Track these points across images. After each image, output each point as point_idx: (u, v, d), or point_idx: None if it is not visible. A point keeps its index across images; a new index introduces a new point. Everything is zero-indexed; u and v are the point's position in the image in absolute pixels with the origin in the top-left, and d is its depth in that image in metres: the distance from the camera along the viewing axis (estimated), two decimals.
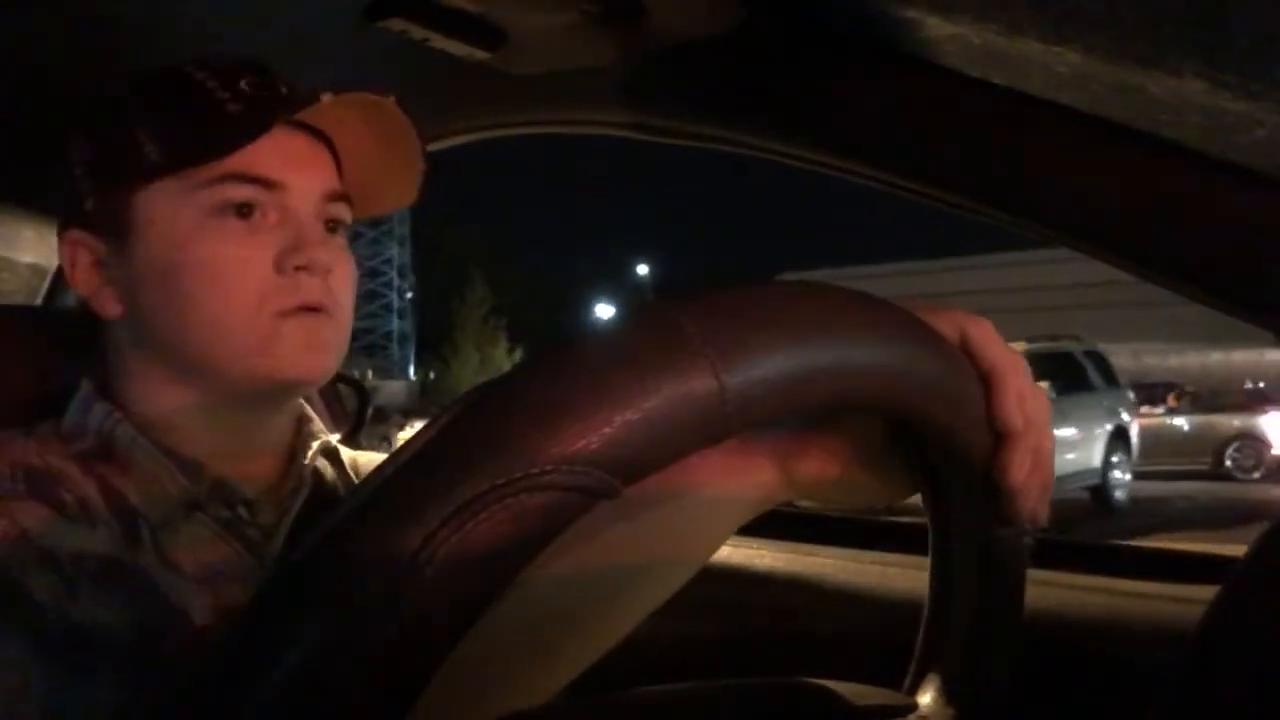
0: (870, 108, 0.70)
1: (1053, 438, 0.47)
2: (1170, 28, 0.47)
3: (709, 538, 0.56)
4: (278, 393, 0.64)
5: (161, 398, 0.63)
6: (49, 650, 0.48)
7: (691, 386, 0.31)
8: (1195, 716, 0.33)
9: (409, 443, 0.30)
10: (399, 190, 0.69)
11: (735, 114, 0.78)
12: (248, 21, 0.84)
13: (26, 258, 1.08)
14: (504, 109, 0.93)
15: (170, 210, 0.60)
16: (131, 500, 0.59)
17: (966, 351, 0.44)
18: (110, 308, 0.62)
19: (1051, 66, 0.56)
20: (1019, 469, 0.44)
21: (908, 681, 0.51)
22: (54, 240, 1.10)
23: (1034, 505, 0.46)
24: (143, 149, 0.60)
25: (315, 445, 0.68)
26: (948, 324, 0.45)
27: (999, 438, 0.44)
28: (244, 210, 0.60)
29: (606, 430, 0.30)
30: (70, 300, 1.10)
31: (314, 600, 0.28)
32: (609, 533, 0.50)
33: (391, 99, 0.63)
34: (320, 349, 0.62)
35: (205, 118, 0.60)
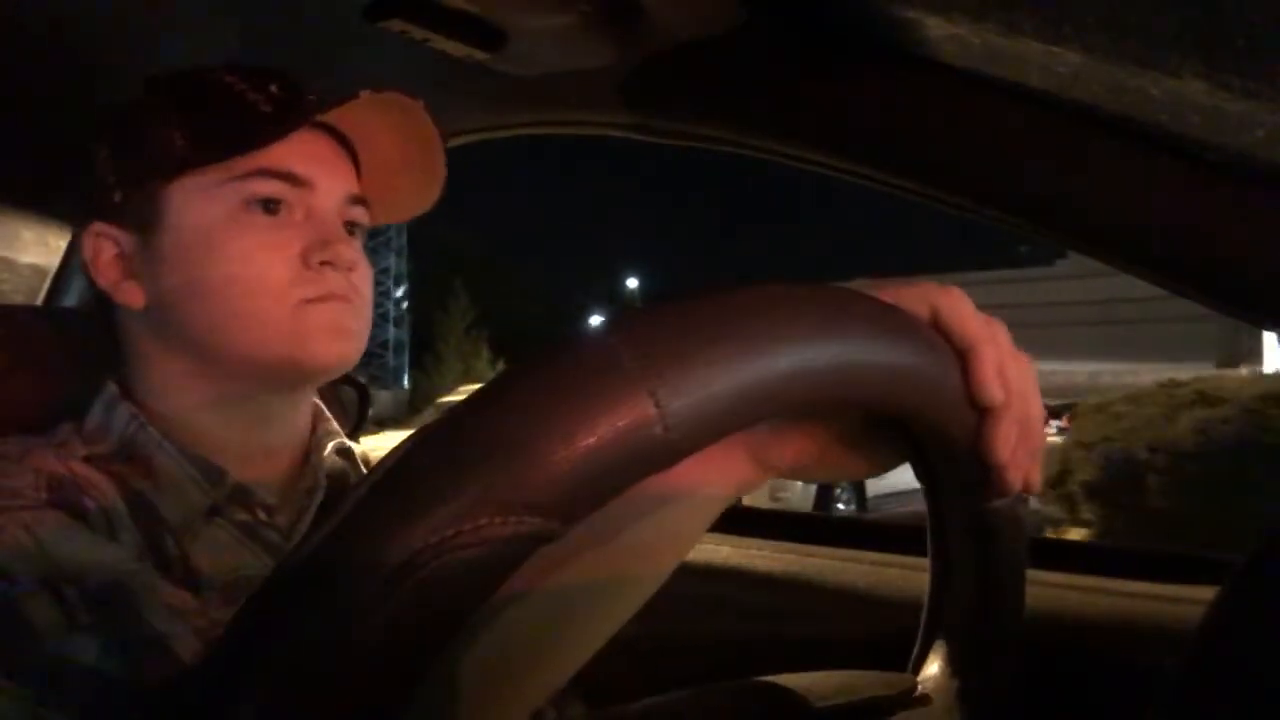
0: (870, 108, 0.70)
1: (1039, 402, 0.45)
2: (1169, 28, 0.47)
3: (686, 534, 0.55)
4: (302, 379, 0.65)
5: (182, 392, 0.63)
6: (54, 689, 0.47)
7: (630, 418, 0.29)
8: (1195, 717, 0.33)
9: (351, 490, 0.29)
10: (418, 196, 0.70)
11: (735, 114, 0.78)
12: (249, 22, 0.84)
13: (26, 258, 1.08)
14: (504, 110, 0.93)
15: (199, 203, 0.61)
16: (155, 506, 0.59)
17: (939, 327, 0.42)
18: (133, 299, 0.63)
19: (1051, 67, 0.56)
20: (1005, 443, 0.43)
21: (912, 659, 0.51)
22: (54, 241, 1.10)
23: (1024, 475, 0.45)
24: (173, 143, 0.61)
25: (331, 445, 0.69)
26: (917, 300, 0.43)
27: (982, 413, 0.42)
28: (271, 206, 0.62)
29: (543, 475, 0.28)
30: (71, 300, 1.10)
31: (258, 651, 0.28)
32: (584, 537, 0.49)
33: (421, 104, 0.64)
34: (345, 335, 0.63)
35: (237, 115, 0.61)
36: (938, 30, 0.60)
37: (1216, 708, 0.32)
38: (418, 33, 0.74)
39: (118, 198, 0.63)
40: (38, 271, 1.09)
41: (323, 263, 0.62)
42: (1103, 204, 0.63)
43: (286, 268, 0.61)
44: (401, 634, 0.28)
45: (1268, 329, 0.62)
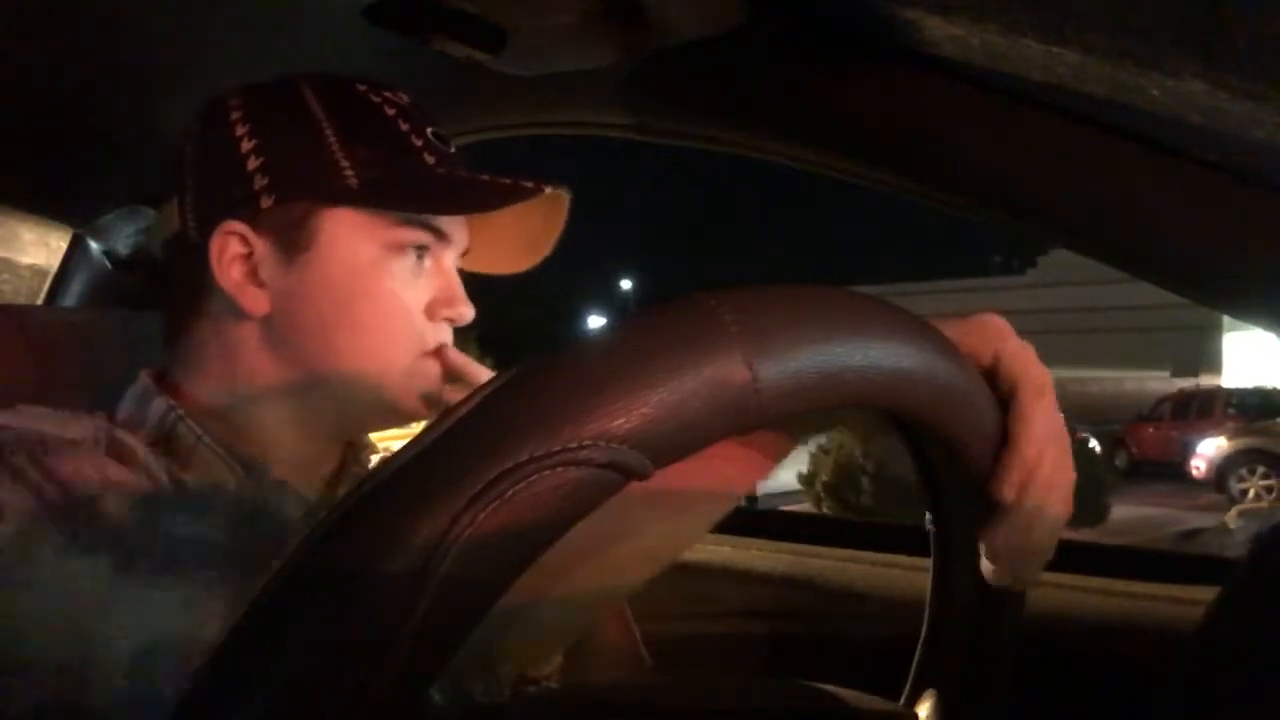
0: (870, 108, 0.70)
1: (1053, 528, 0.46)
2: (1170, 29, 0.47)
3: (678, 537, 0.55)
4: (393, 424, 0.65)
5: (262, 402, 0.63)
6: (129, 568, 0.48)
7: (726, 374, 0.31)
8: (1198, 717, 0.33)
9: (451, 410, 0.30)
10: (514, 261, 0.72)
11: (736, 114, 0.78)
12: (249, 21, 0.84)
13: (26, 259, 1.08)
14: (504, 110, 0.93)
15: (355, 238, 0.62)
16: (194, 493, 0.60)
17: (1009, 405, 0.44)
18: (257, 306, 0.62)
19: (1051, 67, 0.56)
20: (1000, 539, 0.44)
21: (905, 694, 0.51)
22: (54, 242, 1.10)
23: (1008, 575, 0.47)
24: (341, 173, 0.61)
25: (377, 457, 0.69)
26: (1007, 372, 0.44)
27: (999, 452, 0.44)
28: (416, 253, 0.63)
29: (643, 410, 0.30)
30: (71, 301, 1.10)
31: (351, 558, 0.28)
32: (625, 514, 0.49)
33: (568, 198, 0.66)
34: (443, 389, 0.65)
35: (406, 163, 0.63)
36: (938, 30, 0.60)
37: (1220, 707, 0.32)
38: (418, 33, 0.74)
39: (266, 204, 0.61)
40: (38, 273, 1.09)
41: (447, 319, 0.64)
42: (1103, 204, 0.63)
43: (417, 319, 0.63)
44: (493, 548, 0.28)
45: (1267, 329, 0.62)
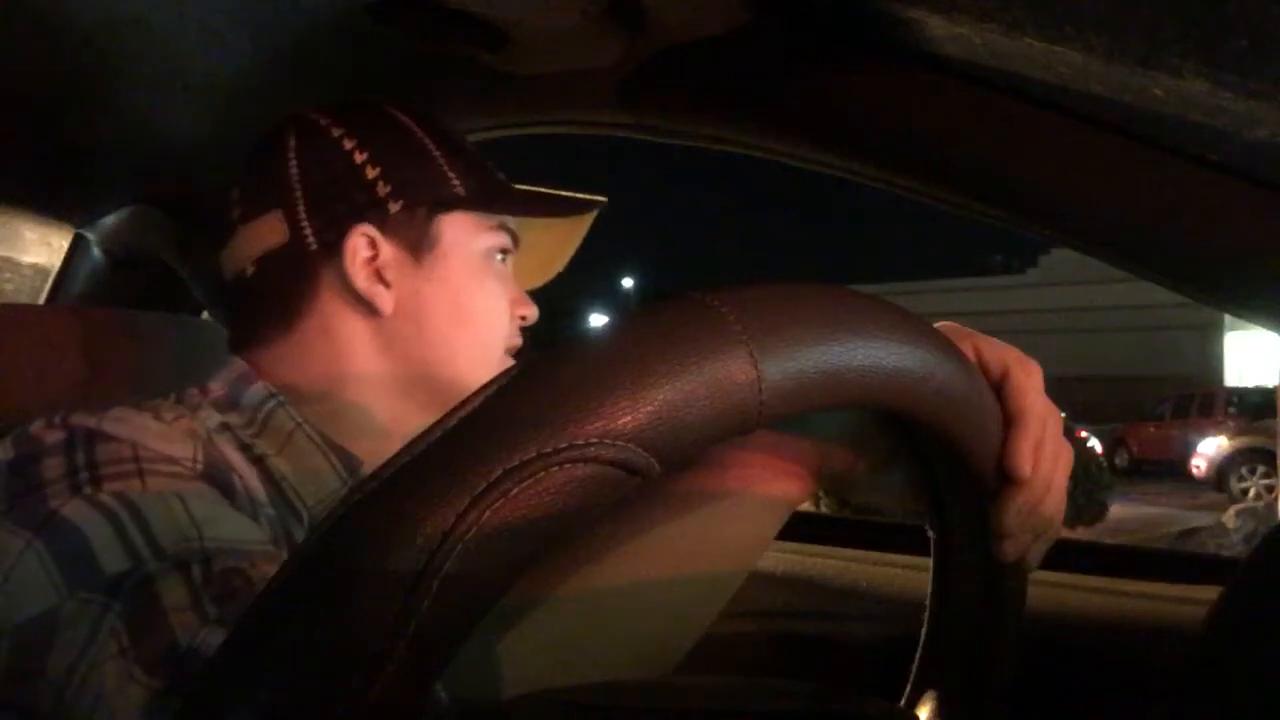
0: (871, 108, 0.70)
1: (1060, 499, 0.47)
2: (1171, 28, 0.47)
3: (750, 541, 0.56)
4: None
5: (369, 399, 0.65)
6: (183, 683, 0.45)
7: (731, 373, 0.31)
8: (1201, 716, 0.33)
9: (457, 408, 0.30)
10: (532, 274, 0.77)
11: (736, 113, 0.78)
12: (251, 21, 0.84)
13: (29, 258, 1.08)
14: (505, 109, 0.93)
15: (469, 238, 0.67)
16: (292, 486, 0.61)
17: (1002, 386, 0.45)
18: (385, 305, 0.65)
19: (1053, 66, 0.56)
20: (1013, 514, 0.45)
21: (906, 695, 0.51)
22: (56, 241, 1.10)
23: (1023, 552, 0.47)
24: (449, 180, 0.67)
25: None
26: (993, 357, 0.46)
27: (1004, 479, 0.45)
28: (505, 257, 0.70)
29: (649, 409, 0.30)
30: (72, 300, 1.10)
31: (355, 556, 0.28)
32: (653, 539, 0.50)
33: (591, 216, 0.75)
34: None
35: (491, 174, 0.70)
36: (940, 30, 0.60)
37: (1221, 708, 0.32)
38: (419, 33, 0.74)
39: (394, 208, 0.65)
40: (40, 271, 1.09)
41: (521, 316, 0.70)
42: (1104, 203, 0.63)
43: (507, 318, 0.69)
44: (500, 542, 0.28)
45: (1268, 328, 0.62)
